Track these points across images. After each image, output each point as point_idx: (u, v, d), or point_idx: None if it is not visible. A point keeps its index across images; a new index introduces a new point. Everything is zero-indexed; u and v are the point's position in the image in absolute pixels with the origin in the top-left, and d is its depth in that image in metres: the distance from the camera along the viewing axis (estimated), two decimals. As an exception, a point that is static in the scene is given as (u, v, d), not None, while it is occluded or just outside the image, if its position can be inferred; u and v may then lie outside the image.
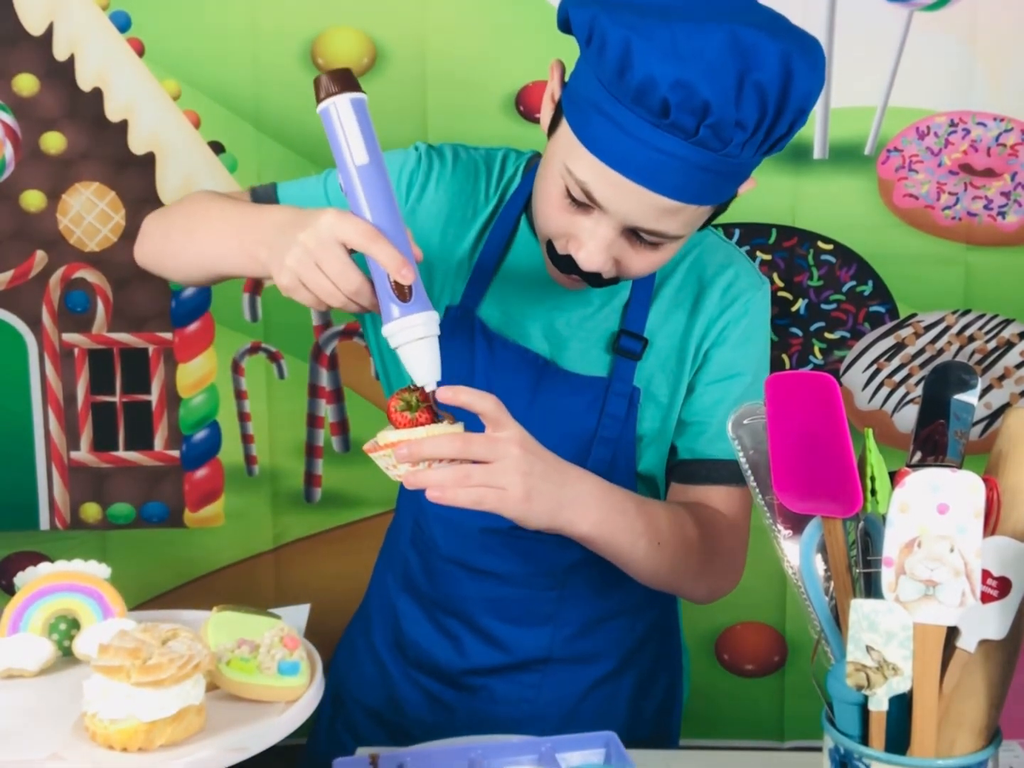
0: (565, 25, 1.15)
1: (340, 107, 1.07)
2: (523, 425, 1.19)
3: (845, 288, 2.06)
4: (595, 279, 1.20)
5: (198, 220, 1.27)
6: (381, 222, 1.08)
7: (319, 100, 1.08)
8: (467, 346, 1.31)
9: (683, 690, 1.53)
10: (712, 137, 1.07)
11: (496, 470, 1.08)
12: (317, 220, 1.07)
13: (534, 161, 1.35)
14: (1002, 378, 2.08)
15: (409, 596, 1.44)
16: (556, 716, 1.41)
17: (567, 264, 1.19)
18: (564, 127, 1.15)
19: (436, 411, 1.09)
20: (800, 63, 1.06)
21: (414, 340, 1.07)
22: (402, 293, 1.06)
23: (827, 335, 2.09)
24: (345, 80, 1.08)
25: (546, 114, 1.20)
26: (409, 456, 1.06)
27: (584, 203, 1.14)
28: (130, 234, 2.05)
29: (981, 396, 2.03)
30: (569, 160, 1.13)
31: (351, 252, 1.07)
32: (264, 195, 1.35)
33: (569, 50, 1.18)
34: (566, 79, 1.18)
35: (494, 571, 1.37)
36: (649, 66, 1.04)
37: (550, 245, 1.21)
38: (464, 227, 1.34)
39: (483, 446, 1.08)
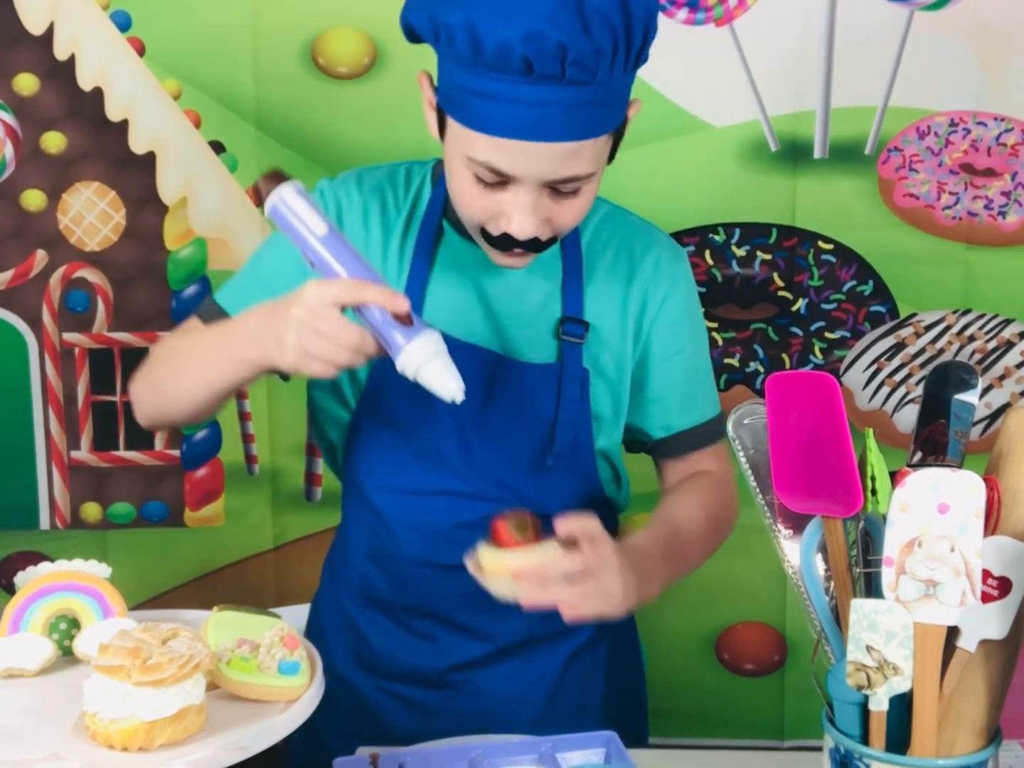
0: (411, 34, 1.22)
1: (286, 196, 1.14)
2: (485, 421, 1.32)
3: (845, 288, 2.06)
4: (535, 245, 1.24)
5: (178, 362, 1.32)
6: (357, 274, 1.14)
7: (264, 200, 1.15)
8: None
9: (644, 663, 1.58)
10: (580, 72, 1.12)
11: (603, 580, 1.17)
12: (302, 295, 1.12)
13: (440, 167, 1.37)
14: (1002, 378, 2.08)
15: (372, 611, 1.43)
16: (541, 692, 1.42)
17: (505, 242, 1.23)
18: (451, 124, 1.20)
19: (539, 527, 1.18)
20: None
21: (430, 358, 1.12)
22: (403, 320, 1.12)
23: (827, 335, 2.09)
24: (279, 176, 1.15)
25: (431, 122, 1.25)
26: (540, 581, 1.15)
27: (496, 182, 1.19)
28: (130, 233, 2.05)
29: (981, 396, 2.03)
30: (465, 149, 1.19)
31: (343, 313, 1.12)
32: (208, 312, 1.36)
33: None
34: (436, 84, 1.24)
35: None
36: (497, 33, 1.10)
37: (484, 232, 1.24)
38: (383, 245, 1.35)
39: (594, 559, 1.17)
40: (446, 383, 1.13)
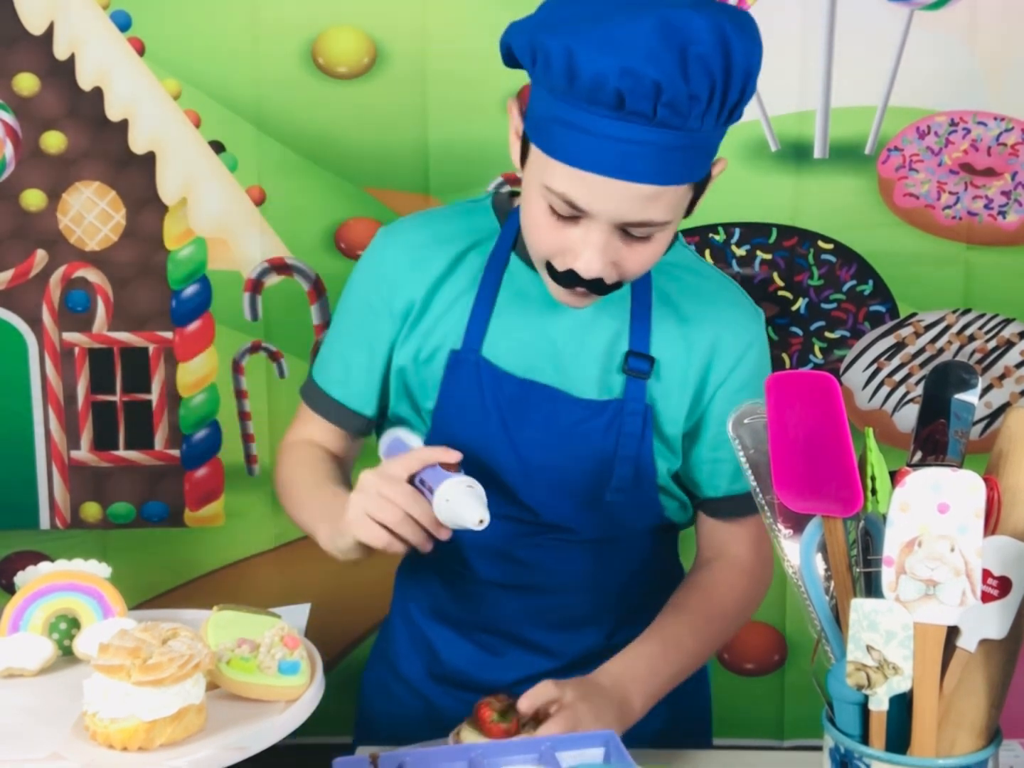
0: (510, 58, 1.20)
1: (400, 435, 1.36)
2: (543, 455, 1.33)
3: (845, 287, 2.06)
4: (599, 286, 1.22)
5: (291, 505, 1.43)
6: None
7: None
8: (476, 387, 1.32)
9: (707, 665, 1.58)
10: (671, 115, 1.11)
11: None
12: (379, 469, 1.25)
13: (501, 200, 1.38)
14: (1002, 377, 2.08)
15: (443, 625, 1.44)
16: None
17: (569, 278, 1.22)
18: (534, 152, 1.19)
19: (518, 713, 1.20)
20: (733, 31, 1.11)
21: (464, 489, 1.20)
22: (452, 469, 1.23)
23: (827, 334, 2.09)
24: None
25: (514, 150, 1.25)
26: None
27: (570, 215, 1.18)
28: (130, 233, 2.05)
29: (981, 396, 2.03)
30: (545, 178, 1.17)
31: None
32: (311, 394, 1.45)
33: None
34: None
35: (535, 584, 1.39)
36: (594, 64, 1.09)
37: (550, 267, 1.23)
38: (440, 289, 1.35)
39: (567, 726, 1.18)
40: (470, 510, 1.19)
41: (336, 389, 1.41)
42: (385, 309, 1.36)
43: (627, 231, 1.18)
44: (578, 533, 1.37)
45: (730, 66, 1.11)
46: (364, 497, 1.21)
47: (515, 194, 1.37)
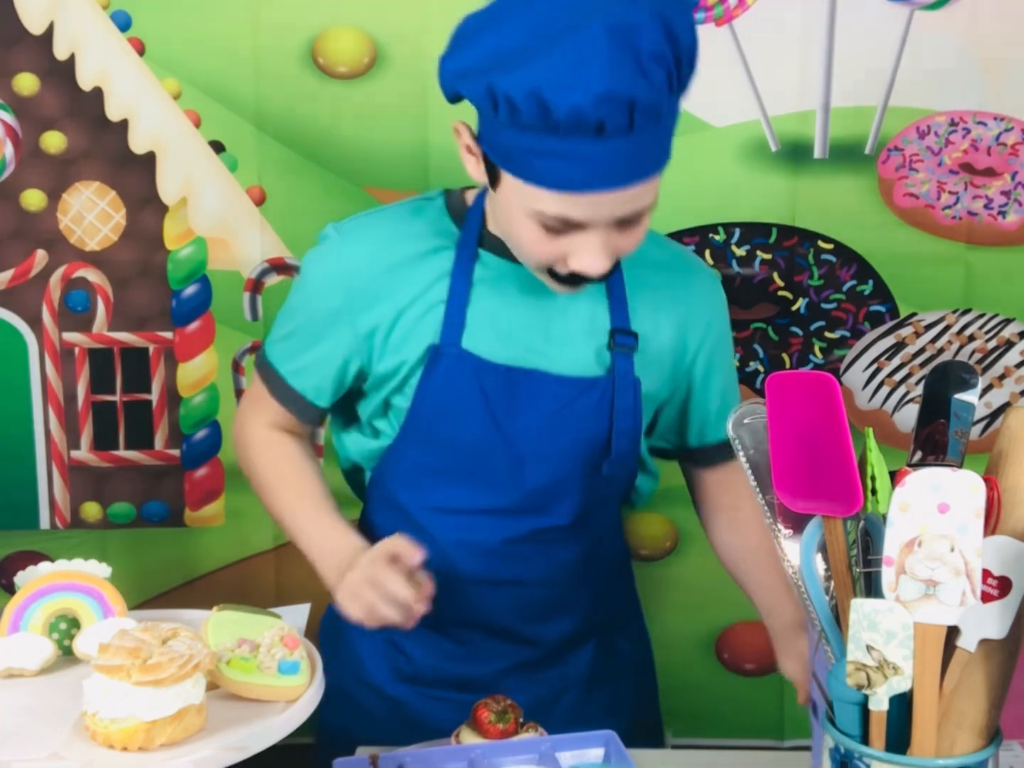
0: (456, 98, 1.21)
1: None
2: (537, 442, 1.34)
3: (845, 287, 2.06)
4: (603, 276, 1.25)
5: (265, 498, 1.50)
6: None
7: None
8: (459, 380, 1.32)
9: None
10: (646, 120, 1.13)
11: None
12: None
13: (454, 200, 1.38)
14: (1002, 377, 2.08)
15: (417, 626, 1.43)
16: (580, 681, 1.47)
17: (575, 280, 1.25)
18: (510, 180, 1.19)
19: (520, 714, 1.23)
20: (669, 8, 1.12)
21: None
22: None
23: (827, 334, 2.08)
24: None
25: (474, 168, 1.25)
26: None
27: (565, 228, 1.19)
28: (130, 233, 2.05)
29: (981, 396, 2.03)
30: (534, 204, 1.18)
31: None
32: (269, 377, 1.44)
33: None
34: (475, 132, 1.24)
35: (519, 578, 1.40)
36: (567, 100, 1.09)
37: (552, 272, 1.25)
38: (406, 289, 1.34)
39: None
40: None
41: (294, 379, 1.41)
42: (349, 320, 1.34)
43: (621, 222, 1.20)
44: (563, 517, 1.37)
45: (678, 50, 1.12)
46: (354, 575, 1.26)
47: (468, 188, 1.38)
